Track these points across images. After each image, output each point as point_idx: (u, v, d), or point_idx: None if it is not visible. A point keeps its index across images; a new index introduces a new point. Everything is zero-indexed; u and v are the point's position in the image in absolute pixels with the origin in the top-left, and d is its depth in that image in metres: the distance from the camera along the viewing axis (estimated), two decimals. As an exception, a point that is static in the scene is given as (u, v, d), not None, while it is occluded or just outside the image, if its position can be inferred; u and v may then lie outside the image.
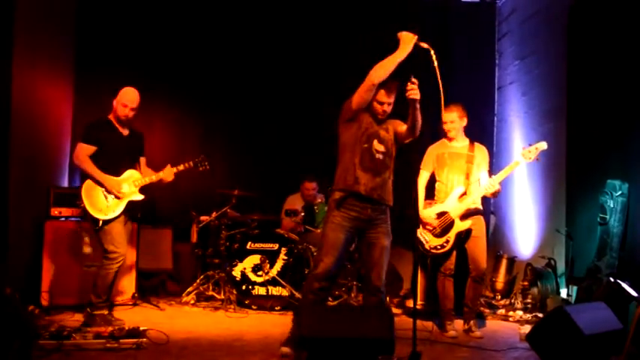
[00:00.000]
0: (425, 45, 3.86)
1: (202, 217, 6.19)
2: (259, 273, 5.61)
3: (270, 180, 6.97)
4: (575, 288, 5.40)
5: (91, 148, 4.77)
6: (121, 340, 4.05)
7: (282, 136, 7.16)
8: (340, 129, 4.17)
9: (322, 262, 4.01)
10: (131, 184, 4.88)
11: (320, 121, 7.40)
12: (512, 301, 5.98)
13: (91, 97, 6.56)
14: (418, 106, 3.97)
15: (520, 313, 5.63)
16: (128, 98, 4.86)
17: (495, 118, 7.45)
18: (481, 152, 5.00)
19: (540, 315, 5.38)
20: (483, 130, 7.18)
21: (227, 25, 7.26)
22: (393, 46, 3.95)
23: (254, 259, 5.65)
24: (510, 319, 5.55)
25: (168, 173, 5.02)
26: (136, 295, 5.71)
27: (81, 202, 4.72)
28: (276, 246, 5.73)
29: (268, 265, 5.63)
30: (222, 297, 5.73)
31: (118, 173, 4.85)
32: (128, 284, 5.74)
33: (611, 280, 4.51)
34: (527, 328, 4.52)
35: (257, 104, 7.23)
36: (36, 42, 5.58)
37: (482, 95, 7.44)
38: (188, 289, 5.96)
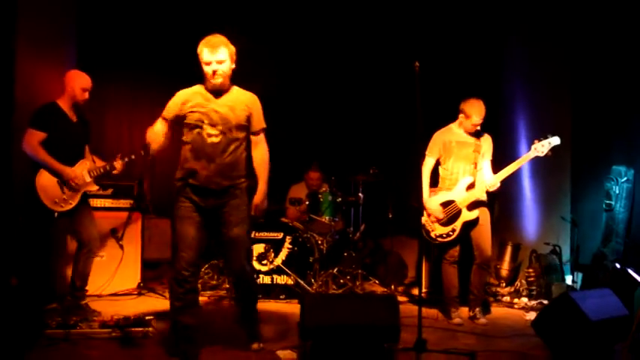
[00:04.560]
0: None
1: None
2: (264, 262, 5.61)
3: (273, 169, 6.94)
4: (580, 274, 5.40)
5: (41, 135, 4.48)
6: (126, 329, 4.06)
7: (285, 125, 7.13)
8: None
9: (180, 257, 3.69)
10: (86, 173, 4.65)
11: (325, 110, 7.43)
12: (517, 288, 5.98)
13: (93, 95, 6.51)
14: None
15: (525, 299, 5.64)
16: (87, 81, 4.69)
17: (499, 105, 7.40)
18: (487, 141, 4.95)
19: (545, 302, 5.38)
20: (487, 119, 7.13)
21: (230, 17, 7.23)
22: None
23: (258, 248, 5.64)
24: (515, 306, 5.55)
25: (119, 164, 4.73)
26: (141, 284, 5.72)
27: (35, 193, 4.46)
28: (280, 235, 5.72)
29: (273, 254, 5.62)
30: (227, 286, 5.73)
31: (71, 162, 4.60)
32: (133, 274, 5.74)
33: (617, 266, 4.50)
34: (532, 315, 4.52)
35: (260, 94, 7.21)
36: (39, 40, 5.52)
37: (487, 82, 7.39)
38: (193, 279, 5.96)
